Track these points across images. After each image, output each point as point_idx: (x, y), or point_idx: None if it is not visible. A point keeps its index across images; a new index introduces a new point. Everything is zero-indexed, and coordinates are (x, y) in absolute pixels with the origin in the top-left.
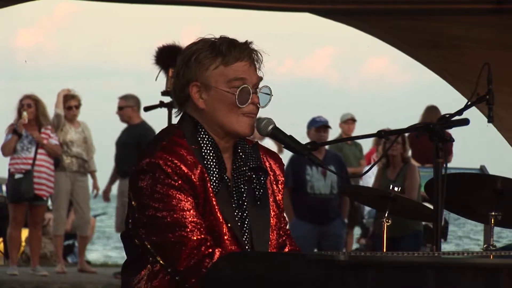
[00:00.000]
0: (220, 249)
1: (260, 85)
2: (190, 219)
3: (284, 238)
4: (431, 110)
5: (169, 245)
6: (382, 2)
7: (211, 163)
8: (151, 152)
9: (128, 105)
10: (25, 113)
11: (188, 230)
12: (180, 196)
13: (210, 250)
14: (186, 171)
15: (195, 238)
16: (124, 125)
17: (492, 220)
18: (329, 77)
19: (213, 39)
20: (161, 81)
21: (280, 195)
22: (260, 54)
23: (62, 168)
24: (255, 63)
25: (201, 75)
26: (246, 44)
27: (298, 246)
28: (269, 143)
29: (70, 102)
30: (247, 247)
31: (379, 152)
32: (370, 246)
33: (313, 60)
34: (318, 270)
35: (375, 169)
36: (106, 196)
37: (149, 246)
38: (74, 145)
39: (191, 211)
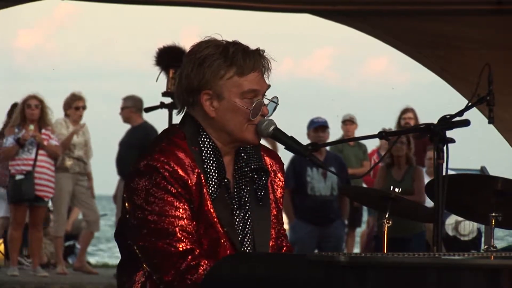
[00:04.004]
0: (206, 261)
1: (268, 94)
2: (180, 227)
3: (281, 239)
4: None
5: (154, 253)
6: (381, 2)
7: (211, 167)
8: (149, 154)
9: (126, 106)
10: (31, 126)
11: (176, 238)
12: (174, 202)
13: (196, 261)
14: (182, 175)
15: (181, 248)
16: (124, 126)
17: (493, 221)
18: (329, 78)
19: (223, 43)
20: (162, 82)
21: (280, 195)
22: (270, 62)
23: (65, 169)
24: (266, 71)
25: (214, 83)
26: (259, 54)
27: (292, 247)
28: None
29: (78, 103)
30: (247, 248)
31: (381, 152)
32: (373, 247)
33: (313, 61)
34: (318, 271)
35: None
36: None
37: (137, 250)
38: (76, 148)
39: (184, 219)
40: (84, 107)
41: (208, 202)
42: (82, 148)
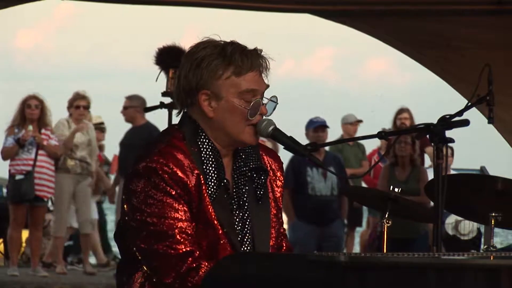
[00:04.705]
0: (206, 262)
1: (267, 93)
2: (179, 229)
3: (281, 238)
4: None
5: (154, 255)
6: (382, 3)
7: (210, 168)
8: (148, 156)
9: (132, 105)
10: (30, 127)
11: (176, 240)
12: (174, 204)
13: (196, 263)
14: (182, 177)
15: (181, 250)
16: (126, 126)
17: (493, 221)
18: (330, 78)
19: (221, 43)
20: (161, 82)
21: (279, 194)
22: (268, 62)
23: (66, 170)
24: (264, 71)
25: (212, 83)
26: (257, 53)
27: (292, 246)
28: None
29: (79, 102)
30: (247, 248)
31: (382, 152)
32: (376, 247)
33: (314, 61)
34: (318, 271)
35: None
36: (112, 199)
37: (136, 252)
38: (78, 149)
39: (183, 221)
40: (86, 107)
41: (207, 203)
42: (85, 148)
